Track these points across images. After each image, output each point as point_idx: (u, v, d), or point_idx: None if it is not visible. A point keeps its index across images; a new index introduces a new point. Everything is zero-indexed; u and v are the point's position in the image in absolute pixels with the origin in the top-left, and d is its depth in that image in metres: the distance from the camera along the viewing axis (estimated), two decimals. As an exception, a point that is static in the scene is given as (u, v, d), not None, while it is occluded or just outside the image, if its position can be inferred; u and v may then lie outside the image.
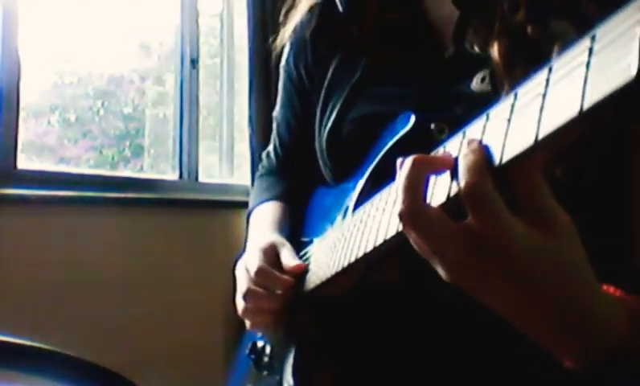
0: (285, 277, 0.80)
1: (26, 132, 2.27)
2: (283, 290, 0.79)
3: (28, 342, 0.65)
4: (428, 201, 0.48)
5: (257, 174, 1.10)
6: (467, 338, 0.69)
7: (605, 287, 0.50)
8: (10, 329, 0.66)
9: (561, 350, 0.49)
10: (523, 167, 0.43)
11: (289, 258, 0.81)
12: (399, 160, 0.50)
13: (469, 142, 0.45)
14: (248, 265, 0.82)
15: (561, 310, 0.46)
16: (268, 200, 1.00)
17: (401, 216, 0.47)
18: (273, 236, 0.87)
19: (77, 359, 0.66)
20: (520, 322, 0.48)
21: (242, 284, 0.83)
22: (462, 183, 0.44)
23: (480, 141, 0.45)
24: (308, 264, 0.80)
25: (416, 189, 0.47)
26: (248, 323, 0.85)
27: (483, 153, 0.44)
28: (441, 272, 0.47)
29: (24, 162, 2.11)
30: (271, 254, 0.82)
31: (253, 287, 0.81)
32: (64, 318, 1.88)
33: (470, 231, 0.44)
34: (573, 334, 0.47)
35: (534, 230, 0.44)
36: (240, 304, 0.84)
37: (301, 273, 0.79)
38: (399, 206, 0.47)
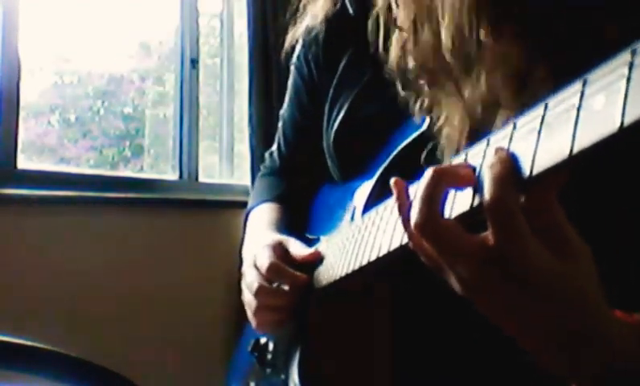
0: (298, 273, 0.79)
1: (26, 132, 2.27)
2: (296, 286, 0.79)
3: (28, 342, 0.65)
4: (446, 210, 0.47)
5: (259, 173, 1.10)
6: (474, 347, 0.69)
7: (616, 312, 0.49)
8: (10, 329, 0.66)
9: (568, 372, 0.48)
10: (546, 184, 0.42)
11: (300, 249, 0.81)
12: (392, 180, 0.50)
13: (497, 151, 0.44)
14: (257, 262, 0.81)
15: (570, 333, 0.45)
16: (266, 201, 1.00)
17: (416, 227, 0.46)
18: (277, 234, 0.87)
19: (77, 358, 0.66)
20: (528, 342, 0.47)
21: (251, 281, 0.82)
22: (487, 196, 0.43)
23: (508, 151, 0.44)
24: (321, 253, 0.79)
25: (433, 201, 0.46)
26: (255, 321, 0.84)
27: (512, 164, 0.42)
28: (454, 285, 0.47)
29: (24, 162, 2.11)
30: (280, 250, 0.81)
31: (265, 284, 0.80)
32: (64, 318, 1.87)
33: (488, 245, 0.43)
34: (582, 357, 0.47)
35: (549, 250, 0.43)
36: (251, 301, 0.83)
37: (317, 260, 0.78)
38: (415, 217, 0.46)
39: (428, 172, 0.47)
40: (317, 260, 0.78)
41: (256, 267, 0.81)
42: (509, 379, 0.67)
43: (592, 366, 0.47)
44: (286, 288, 0.79)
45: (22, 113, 2.05)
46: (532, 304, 0.44)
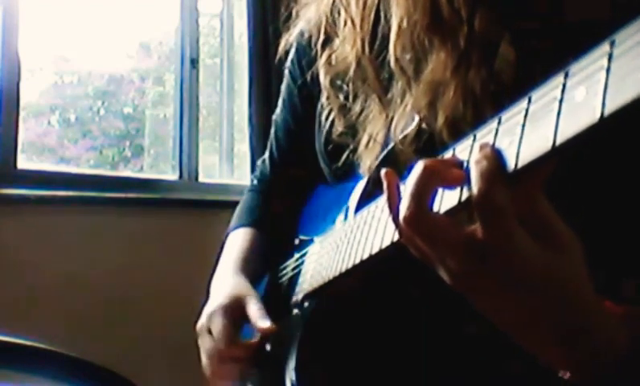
0: (250, 342, 0.81)
1: (26, 132, 2.27)
2: (249, 354, 0.81)
3: (28, 342, 0.65)
4: (436, 204, 0.48)
5: (250, 183, 1.10)
6: (466, 346, 0.69)
7: (606, 303, 0.50)
8: (10, 329, 0.66)
9: (558, 362, 0.49)
10: (532, 176, 0.43)
11: (257, 317, 0.81)
12: (382, 171, 0.50)
13: (482, 147, 0.44)
14: (212, 329, 0.83)
15: (558, 324, 0.46)
16: (244, 225, 1.00)
17: (405, 221, 0.46)
18: (239, 284, 0.88)
19: (77, 359, 0.66)
20: (517, 333, 0.48)
21: (208, 348, 0.84)
22: (475, 191, 0.43)
23: (493, 146, 0.44)
24: (275, 328, 0.80)
25: (422, 196, 0.46)
26: (212, 382, 0.86)
27: (497, 159, 0.43)
28: (444, 278, 0.47)
29: (24, 162, 2.11)
30: (235, 313, 0.83)
31: (222, 354, 0.82)
32: (64, 318, 1.88)
33: (475, 238, 0.44)
34: (570, 348, 0.47)
35: (537, 242, 0.44)
36: (207, 366, 0.85)
37: (268, 337, 0.80)
38: (404, 211, 0.46)
39: (419, 166, 0.47)
40: (267, 336, 0.80)
41: (210, 333, 0.83)
42: (506, 374, 0.67)
43: (581, 355, 0.47)
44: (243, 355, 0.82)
45: (22, 113, 2.05)
46: (522, 296, 0.45)
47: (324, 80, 0.79)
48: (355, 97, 0.74)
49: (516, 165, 0.42)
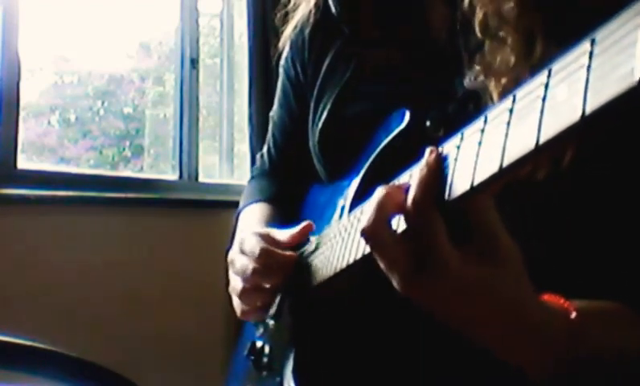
0: (287, 253, 0.80)
1: (26, 132, 2.27)
2: (286, 265, 0.79)
3: (28, 342, 0.65)
4: (394, 224, 0.51)
5: (250, 176, 1.10)
6: (464, 346, 0.69)
7: (548, 297, 0.53)
8: (10, 329, 0.66)
9: (515, 361, 0.52)
10: (483, 191, 0.45)
11: (286, 233, 0.81)
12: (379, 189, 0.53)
13: (431, 152, 0.49)
14: (245, 249, 0.82)
15: (503, 327, 0.50)
16: (257, 201, 1.00)
17: (363, 233, 0.51)
18: (265, 227, 0.87)
19: (77, 359, 0.66)
20: (467, 333, 0.52)
21: (243, 265, 0.82)
22: (410, 197, 0.48)
23: (439, 155, 0.48)
24: (310, 224, 0.80)
25: (381, 212, 0.50)
26: (242, 307, 0.84)
27: (437, 170, 0.47)
28: (394, 285, 0.51)
29: (24, 162, 2.11)
30: (268, 238, 0.82)
31: (258, 266, 0.80)
32: (64, 318, 1.88)
33: (411, 251, 0.48)
34: (517, 347, 0.51)
35: (470, 258, 0.47)
36: (238, 285, 0.83)
37: (305, 236, 0.80)
38: (363, 222, 0.51)
39: (382, 190, 0.51)
40: (305, 235, 0.80)
41: (244, 253, 0.82)
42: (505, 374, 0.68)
43: (528, 353, 0.51)
44: (280, 267, 0.80)
45: (22, 113, 2.05)
46: (460, 306, 0.49)
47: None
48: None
49: (472, 176, 0.44)
